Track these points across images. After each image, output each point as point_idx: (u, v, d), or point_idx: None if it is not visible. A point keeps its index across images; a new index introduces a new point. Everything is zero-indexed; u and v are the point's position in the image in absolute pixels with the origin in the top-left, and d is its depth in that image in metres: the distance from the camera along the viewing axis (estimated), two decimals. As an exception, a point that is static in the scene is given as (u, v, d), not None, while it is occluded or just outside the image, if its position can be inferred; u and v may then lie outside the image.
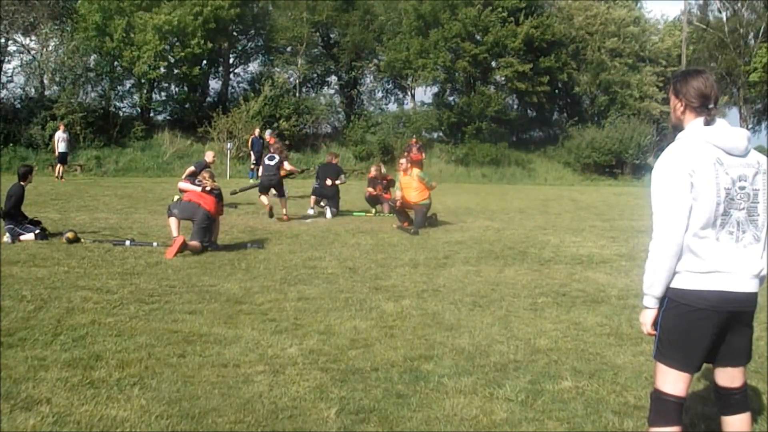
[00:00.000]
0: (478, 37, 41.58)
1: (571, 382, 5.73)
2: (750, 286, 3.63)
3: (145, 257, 11.17)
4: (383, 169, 20.09)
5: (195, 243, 11.63)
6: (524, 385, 5.62)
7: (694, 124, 3.70)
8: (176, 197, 12.37)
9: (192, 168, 16.01)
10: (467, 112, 40.90)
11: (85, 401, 5.03)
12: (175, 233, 11.79)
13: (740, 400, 3.81)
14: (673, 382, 3.67)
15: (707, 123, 3.66)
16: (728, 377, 3.80)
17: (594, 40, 44.69)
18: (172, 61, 37.86)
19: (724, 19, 58.44)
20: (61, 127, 29.85)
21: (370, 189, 18.87)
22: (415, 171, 16.20)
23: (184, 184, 12.80)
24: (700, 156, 3.57)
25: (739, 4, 56.50)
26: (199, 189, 12.23)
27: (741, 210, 3.60)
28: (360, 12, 43.46)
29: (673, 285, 3.66)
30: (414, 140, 32.59)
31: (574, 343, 6.95)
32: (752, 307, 3.70)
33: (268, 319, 7.55)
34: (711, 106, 3.67)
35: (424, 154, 31.67)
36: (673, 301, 3.65)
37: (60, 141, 29.00)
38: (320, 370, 5.88)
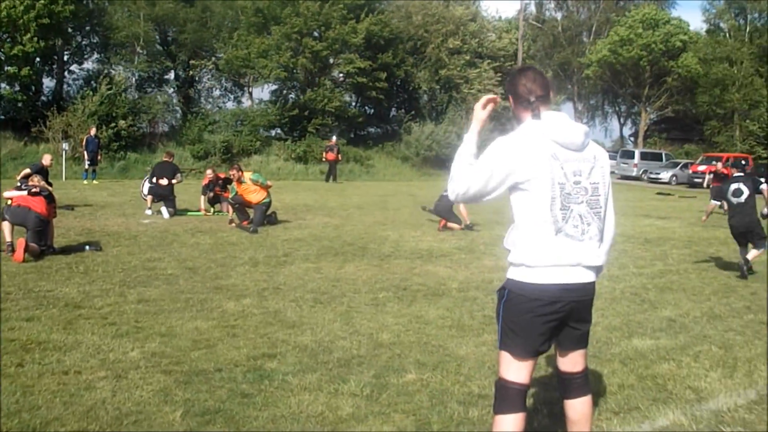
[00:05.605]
0: (317, 34, 41.62)
1: (415, 374, 5.78)
2: (588, 276, 3.72)
3: (-33, 263, 10.51)
4: (214, 171, 19.67)
5: (32, 246, 11.14)
6: (369, 380, 5.63)
7: (529, 119, 3.76)
8: (8, 201, 11.75)
9: (27, 170, 15.32)
10: (309, 107, 40.87)
11: None
12: (8, 239, 11.22)
13: (582, 383, 3.93)
14: (516, 369, 3.73)
15: (534, 117, 3.70)
16: (570, 362, 3.91)
17: (433, 39, 45.67)
18: (3, 58, 35.80)
19: (559, 18, 61.30)
20: None
21: (204, 196, 18.54)
22: (247, 175, 16.00)
23: (8, 193, 12.19)
24: (535, 150, 3.60)
25: (570, 3, 59.41)
26: (26, 192, 11.73)
27: (580, 204, 3.65)
28: (198, 9, 42.66)
29: (513, 277, 3.72)
30: (333, 140, 35.54)
31: (416, 336, 7.02)
32: (591, 296, 3.81)
33: (108, 323, 7.26)
34: (533, 99, 3.72)
35: (340, 156, 36.17)
36: (513, 293, 3.71)
37: None
38: (163, 372, 5.71)
